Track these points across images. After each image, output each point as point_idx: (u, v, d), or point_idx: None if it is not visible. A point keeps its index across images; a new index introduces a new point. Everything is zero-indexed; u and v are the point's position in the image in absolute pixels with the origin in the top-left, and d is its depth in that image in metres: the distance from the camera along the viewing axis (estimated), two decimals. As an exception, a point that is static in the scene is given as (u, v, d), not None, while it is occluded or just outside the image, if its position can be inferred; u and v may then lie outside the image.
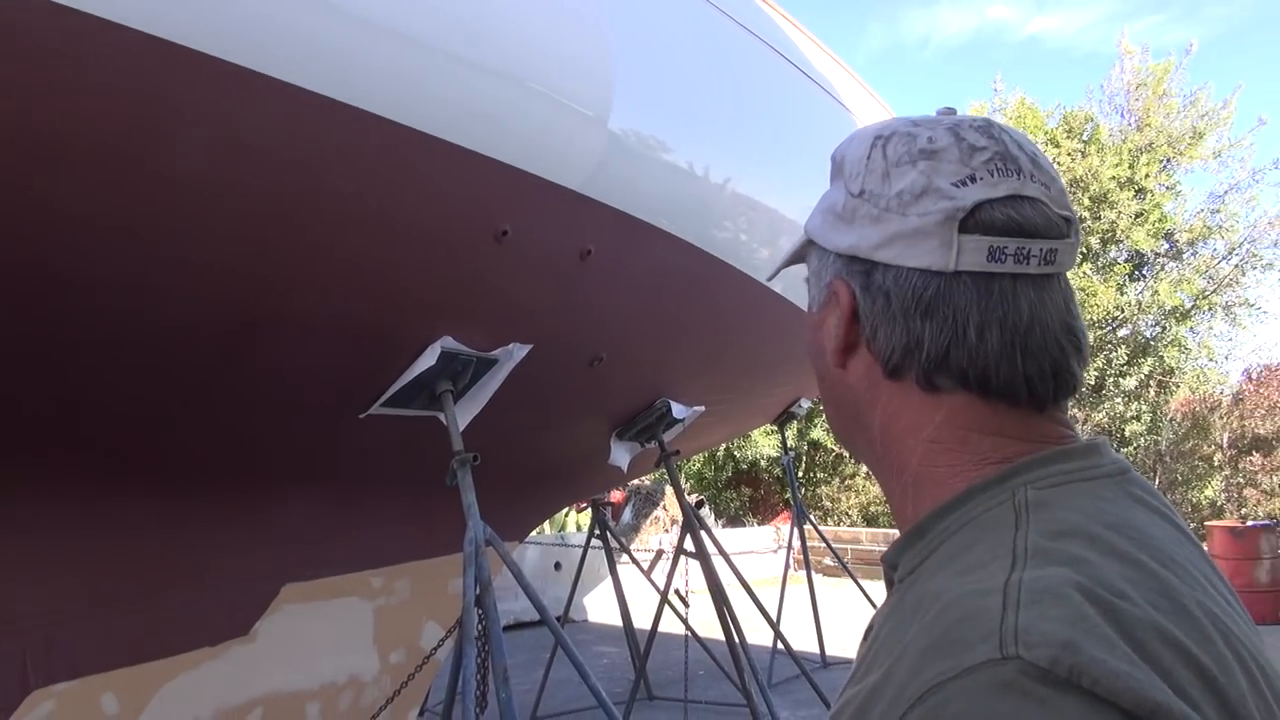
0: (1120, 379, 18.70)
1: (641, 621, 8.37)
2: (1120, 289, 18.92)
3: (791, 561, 10.68)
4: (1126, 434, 18.42)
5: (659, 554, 8.97)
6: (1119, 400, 18.77)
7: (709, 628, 7.10)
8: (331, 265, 3.19)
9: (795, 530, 10.22)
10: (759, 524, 19.68)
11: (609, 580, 9.14)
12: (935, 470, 0.80)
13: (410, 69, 3.00)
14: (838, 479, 21.20)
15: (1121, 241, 18.93)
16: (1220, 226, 19.33)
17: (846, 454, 19.48)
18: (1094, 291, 18.22)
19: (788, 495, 15.14)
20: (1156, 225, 18.82)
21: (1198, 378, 20.13)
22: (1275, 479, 17.83)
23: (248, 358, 3.29)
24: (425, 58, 3.04)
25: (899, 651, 0.68)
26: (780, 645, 7.90)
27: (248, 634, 4.07)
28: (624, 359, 4.76)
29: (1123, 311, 18.89)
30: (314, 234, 3.05)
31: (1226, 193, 19.47)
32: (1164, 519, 0.76)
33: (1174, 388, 19.60)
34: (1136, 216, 18.59)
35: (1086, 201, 18.56)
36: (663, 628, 7.74)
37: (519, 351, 4.03)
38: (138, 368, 3.11)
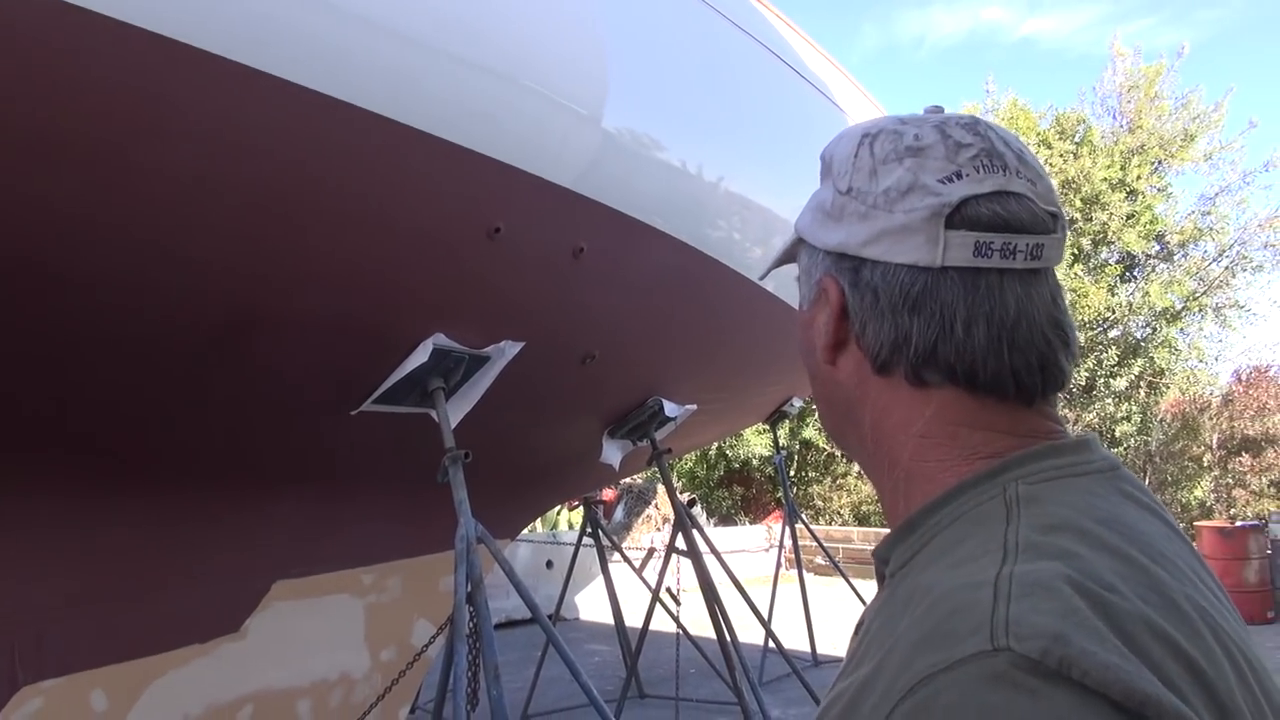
0: (1111, 380, 18.77)
1: (633, 620, 8.37)
2: (1111, 290, 18.99)
3: (783, 560, 10.69)
4: (1117, 434, 18.48)
5: (650, 552, 8.96)
6: (1109, 401, 18.84)
7: (700, 626, 7.10)
8: (325, 262, 3.19)
9: (787, 529, 10.24)
10: (751, 523, 19.70)
11: (601, 578, 9.14)
12: (926, 465, 0.81)
13: (405, 67, 3.00)
14: (829, 478, 21.24)
15: (1113, 243, 19.00)
16: (1211, 228, 19.42)
17: (838, 453, 19.55)
18: (1085, 292, 18.28)
19: (779, 494, 15.16)
20: (1148, 227, 18.90)
21: (1188, 379, 20.20)
22: (1264, 480, 17.92)
23: (240, 354, 3.28)
24: (420, 56, 3.04)
25: (890, 645, 0.68)
26: (771, 644, 7.91)
27: (238, 631, 4.06)
28: (616, 357, 4.76)
29: (1113, 312, 18.96)
30: (308, 231, 3.04)
31: (1217, 195, 19.57)
32: (1154, 515, 0.76)
33: (1164, 389, 19.67)
34: (1128, 218, 18.65)
35: (1078, 203, 18.63)
36: (654, 626, 7.74)
37: (511, 349, 4.02)
38: (131, 365, 3.10)
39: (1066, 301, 0.88)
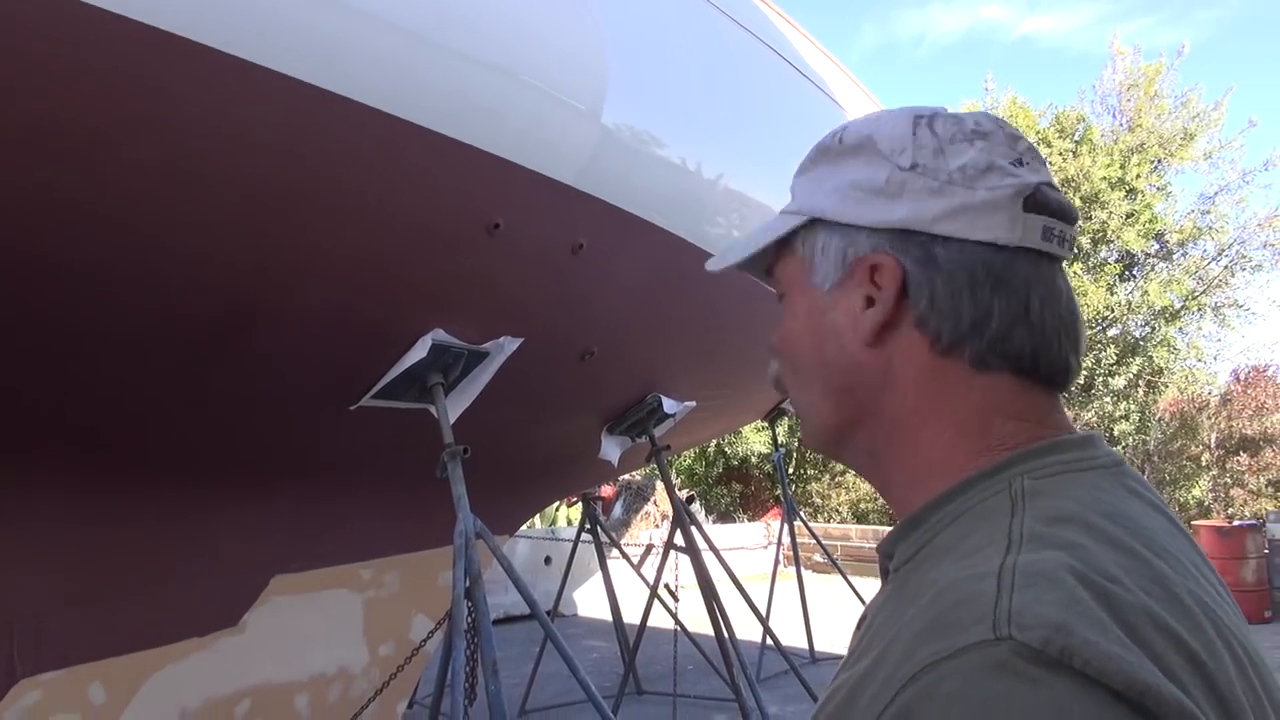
0: (1109, 378, 18.78)
1: (631, 616, 8.38)
2: (1110, 289, 19.00)
3: (781, 557, 10.70)
4: (1115, 433, 18.49)
5: (649, 548, 8.97)
6: (1108, 400, 18.85)
7: (698, 623, 7.12)
8: (324, 257, 3.19)
9: (785, 526, 10.25)
10: (749, 520, 19.72)
11: (599, 575, 9.15)
12: (953, 454, 0.81)
13: (404, 61, 3.00)
14: (828, 476, 21.25)
15: (1112, 241, 19.01)
16: (1210, 227, 19.43)
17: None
18: (1084, 291, 18.28)
19: (778, 491, 15.16)
20: (1147, 226, 18.90)
21: (1186, 378, 20.23)
22: (1262, 479, 17.93)
23: (239, 349, 3.28)
24: (419, 50, 3.04)
25: (893, 635, 0.69)
26: (769, 641, 7.92)
27: (237, 625, 4.07)
28: (615, 353, 4.77)
29: (1112, 311, 18.97)
30: (306, 226, 3.04)
31: (1217, 194, 19.59)
32: (1157, 511, 0.77)
33: (1162, 388, 19.69)
34: (1127, 217, 18.66)
35: (1078, 201, 18.62)
36: (652, 623, 7.75)
37: (510, 345, 4.02)
38: (129, 360, 3.10)
39: None
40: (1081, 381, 18.89)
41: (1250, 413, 18.60)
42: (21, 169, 2.39)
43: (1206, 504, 18.49)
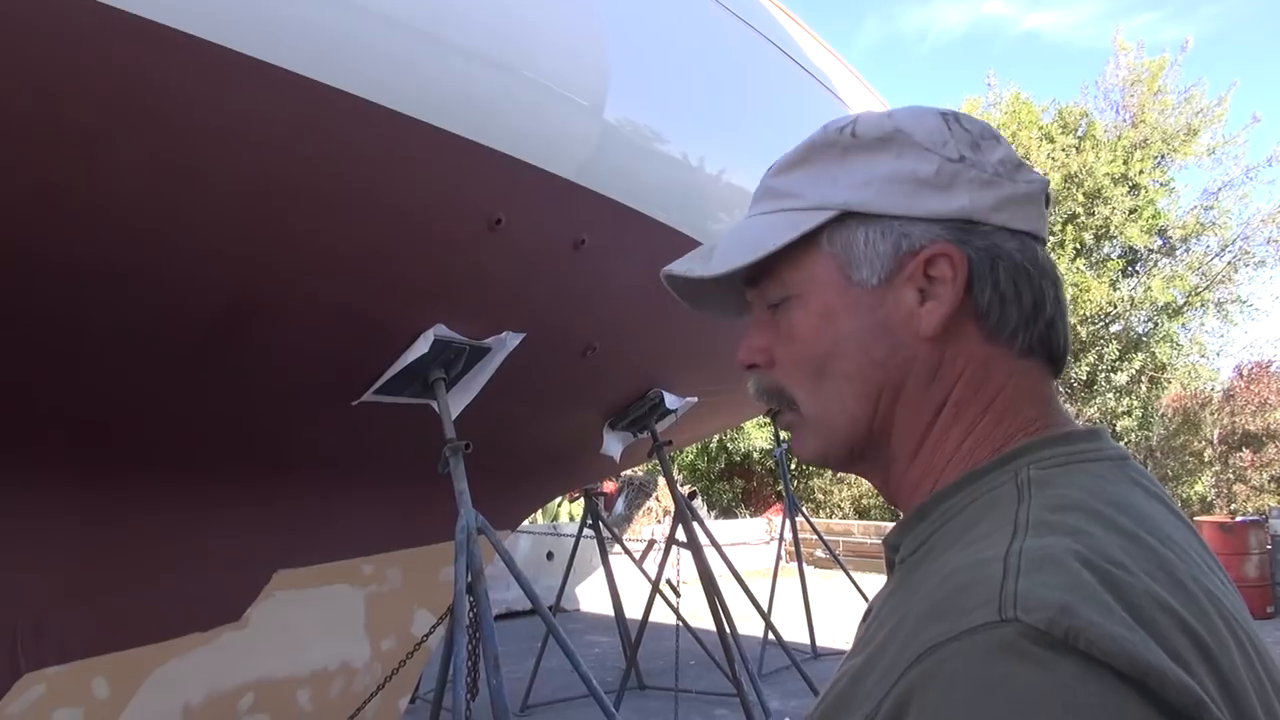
0: (1112, 374, 18.77)
1: (633, 611, 8.39)
2: (1113, 285, 18.99)
3: (783, 553, 10.71)
4: (1118, 429, 18.49)
5: (650, 544, 8.98)
6: (1110, 395, 18.85)
7: (700, 618, 7.13)
8: (325, 252, 3.19)
9: (787, 522, 10.26)
10: (751, 515, 19.74)
11: (601, 570, 9.16)
12: (981, 442, 0.81)
13: (405, 56, 3.00)
14: (830, 471, 21.26)
15: (1115, 237, 18.99)
16: (1213, 223, 19.41)
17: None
18: (1087, 287, 18.27)
19: (780, 487, 15.17)
20: (1150, 221, 18.88)
21: (1189, 374, 20.22)
22: (1265, 475, 17.93)
23: (241, 345, 3.28)
24: (420, 45, 3.04)
25: (897, 621, 0.69)
26: (771, 636, 7.93)
27: (239, 620, 4.08)
28: (617, 349, 4.77)
29: (1115, 307, 18.95)
30: (307, 221, 3.04)
31: (1220, 189, 19.57)
32: (1161, 502, 0.77)
33: (1165, 383, 19.68)
34: (1130, 212, 18.64)
35: (1080, 197, 18.61)
36: (654, 618, 7.77)
37: (512, 340, 4.03)
38: (131, 354, 3.11)
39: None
40: (1084, 377, 18.90)
41: (1253, 408, 18.59)
42: (22, 165, 2.40)
43: (1209, 500, 18.49)
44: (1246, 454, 18.18)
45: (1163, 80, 19.51)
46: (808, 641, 9.71)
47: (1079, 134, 19.71)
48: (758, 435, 19.59)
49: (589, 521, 8.81)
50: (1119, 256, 19.61)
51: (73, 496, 3.45)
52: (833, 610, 11.12)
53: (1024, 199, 0.83)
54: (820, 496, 21.01)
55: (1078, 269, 18.48)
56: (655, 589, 7.52)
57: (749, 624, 8.03)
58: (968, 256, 0.81)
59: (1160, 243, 19.64)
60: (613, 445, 5.74)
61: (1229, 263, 19.48)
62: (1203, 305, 19.66)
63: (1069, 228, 18.66)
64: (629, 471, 15.65)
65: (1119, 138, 19.33)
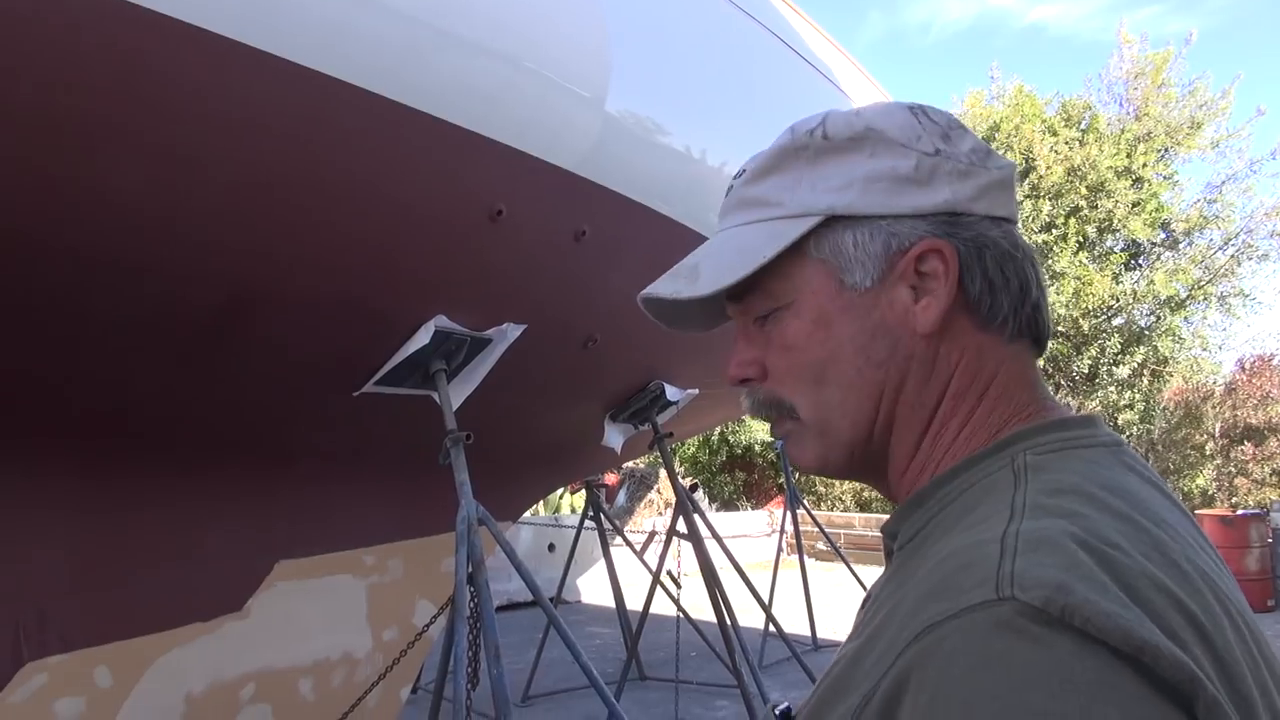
0: (1114, 368, 18.75)
1: (634, 603, 8.42)
2: (1116, 278, 18.96)
3: (784, 545, 10.73)
4: (1119, 422, 18.48)
5: (651, 535, 9.00)
6: (1112, 389, 18.83)
7: (701, 610, 7.14)
8: (326, 243, 3.19)
9: (789, 514, 10.27)
10: (753, 508, 19.76)
11: (602, 562, 9.18)
12: (978, 430, 0.82)
13: (406, 47, 3.00)
14: (832, 465, 21.24)
15: (1118, 231, 18.95)
16: (1217, 217, 19.37)
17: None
18: (1090, 280, 18.25)
19: (782, 479, 15.18)
20: (1153, 215, 18.84)
21: (1191, 367, 20.21)
22: (1266, 469, 17.93)
23: (242, 334, 3.29)
24: (421, 35, 3.04)
25: (896, 602, 0.70)
26: (772, 628, 7.95)
27: (241, 610, 4.09)
28: (618, 340, 4.77)
29: (1118, 300, 18.92)
30: (308, 212, 3.05)
31: (1224, 183, 19.52)
32: (1155, 488, 0.78)
33: (1167, 377, 19.67)
34: (1133, 206, 18.60)
35: (1084, 190, 18.57)
36: (655, 610, 7.78)
37: (513, 332, 4.03)
38: (132, 344, 3.11)
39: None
40: (1086, 371, 18.89)
41: (1255, 402, 18.59)
42: (23, 154, 2.40)
43: (1210, 493, 18.50)
44: (1248, 447, 18.18)
45: (1166, 73, 19.45)
46: (808, 633, 9.73)
47: (1082, 127, 19.65)
48: (759, 428, 19.58)
49: (590, 513, 8.82)
50: (1122, 250, 19.57)
51: (74, 486, 3.46)
52: (834, 602, 11.14)
53: (998, 185, 0.84)
54: (821, 489, 21.01)
55: (1080, 262, 18.45)
56: (656, 580, 7.54)
57: (750, 616, 8.05)
58: (957, 249, 0.82)
59: (1163, 236, 19.60)
60: (614, 437, 5.75)
61: (1232, 256, 19.44)
62: (1205, 299, 19.63)
63: (1072, 221, 18.62)
64: (630, 464, 15.67)
65: (1122, 131, 19.29)
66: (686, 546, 6.58)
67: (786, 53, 5.34)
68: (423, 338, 3.70)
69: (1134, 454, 0.82)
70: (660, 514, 15.96)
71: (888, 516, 0.88)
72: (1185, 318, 19.73)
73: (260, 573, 4.18)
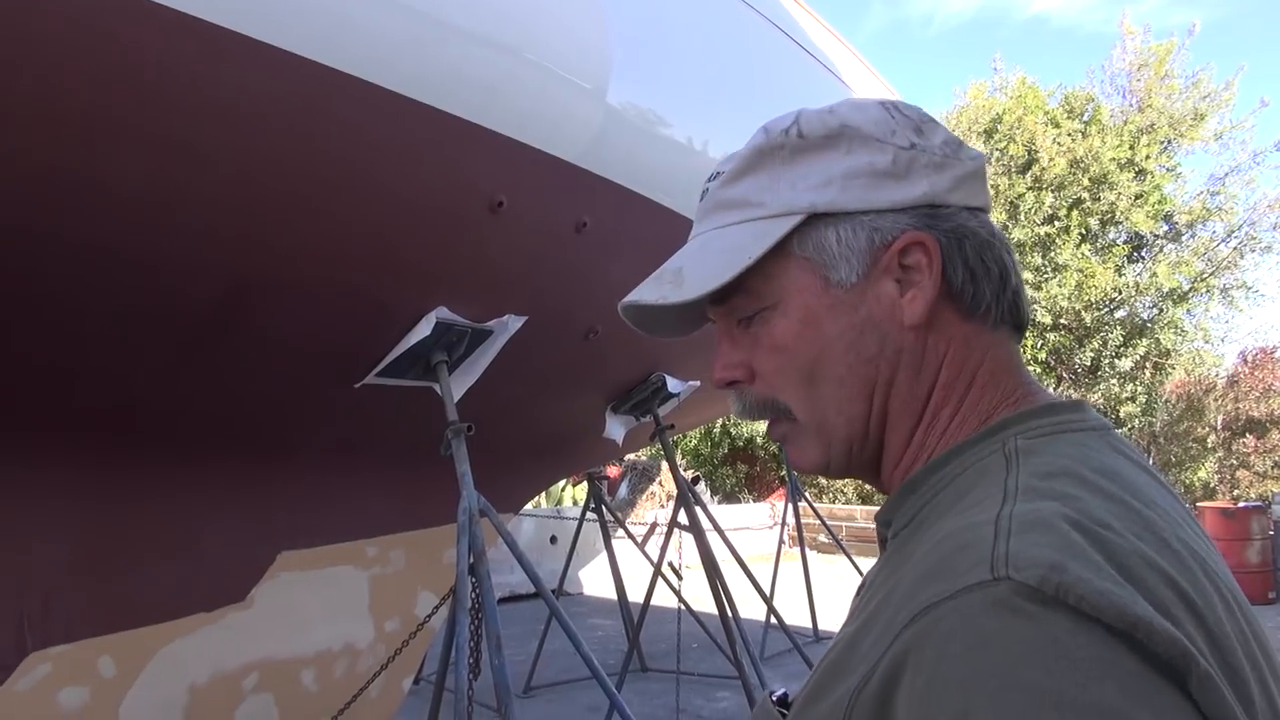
0: (1116, 360, 18.74)
1: (636, 595, 8.44)
2: (1118, 270, 18.93)
3: (786, 537, 10.74)
4: (1121, 415, 18.48)
5: (653, 526, 9.02)
6: (1114, 381, 18.82)
7: (703, 602, 7.16)
8: (326, 235, 3.20)
9: (790, 507, 10.29)
10: (755, 500, 19.78)
11: (604, 554, 9.20)
12: (969, 417, 0.83)
13: (407, 38, 3.00)
14: (833, 457, 21.25)
15: (1121, 223, 18.92)
16: (1220, 209, 19.32)
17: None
18: (1092, 273, 18.22)
19: (783, 472, 15.19)
20: (1156, 207, 18.81)
21: (1193, 360, 20.18)
22: (1268, 461, 17.93)
23: (243, 326, 3.30)
24: (421, 26, 3.04)
25: (892, 586, 0.71)
26: (773, 619, 7.97)
27: (244, 600, 4.10)
28: (619, 332, 4.75)
29: (1120, 293, 18.90)
30: (308, 202, 3.05)
31: (1227, 175, 19.47)
32: (1144, 470, 0.79)
33: (1169, 369, 19.65)
34: (1136, 198, 18.56)
35: (1086, 182, 18.54)
36: (657, 601, 7.80)
37: (514, 323, 4.04)
38: (135, 335, 3.12)
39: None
40: (1088, 363, 18.87)
41: (1257, 394, 18.60)
42: (23, 145, 2.40)
43: (1212, 486, 18.51)
44: (1250, 440, 18.19)
45: (1170, 65, 19.39)
46: (810, 625, 9.75)
47: (1085, 119, 19.61)
48: (761, 421, 19.60)
49: (592, 505, 8.84)
50: (1125, 242, 19.55)
51: (77, 478, 3.47)
52: (835, 594, 11.16)
53: (972, 176, 0.85)
54: (824, 482, 21.02)
55: (1083, 254, 18.42)
56: (657, 571, 7.56)
57: (751, 607, 8.06)
58: (939, 240, 0.83)
59: (1166, 228, 19.56)
60: (615, 429, 5.75)
61: (1235, 248, 19.40)
62: (1208, 291, 19.59)
63: (1074, 213, 18.60)
64: (632, 456, 15.69)
65: (1125, 122, 19.25)
66: (688, 538, 6.60)
67: (788, 44, 5.33)
68: (424, 329, 3.71)
69: (1121, 438, 0.83)
70: (662, 506, 15.98)
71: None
72: (1188, 310, 19.71)
73: (263, 563, 4.19)
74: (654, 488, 17.03)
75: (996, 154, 19.37)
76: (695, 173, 4.52)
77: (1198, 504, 13.27)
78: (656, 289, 0.90)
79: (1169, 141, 19.28)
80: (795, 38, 5.42)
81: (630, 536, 8.94)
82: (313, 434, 4.17)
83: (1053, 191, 18.66)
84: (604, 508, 8.75)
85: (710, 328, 0.97)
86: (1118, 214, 18.59)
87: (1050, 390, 0.90)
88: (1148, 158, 18.71)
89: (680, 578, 7.42)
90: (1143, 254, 20.04)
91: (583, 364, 4.97)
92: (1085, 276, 18.22)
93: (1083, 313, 18.62)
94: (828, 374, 0.85)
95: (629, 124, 4.03)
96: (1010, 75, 20.94)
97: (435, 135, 3.20)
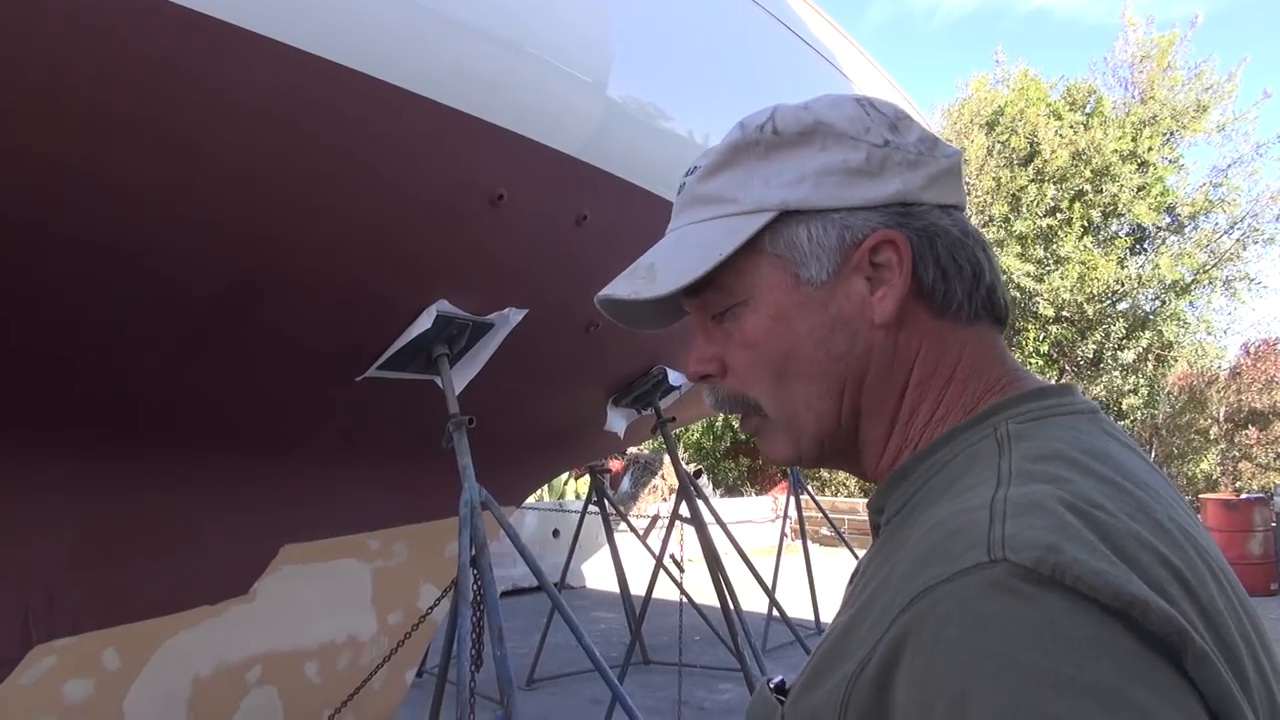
0: (1118, 352, 18.71)
1: (639, 588, 8.46)
2: (1121, 263, 18.89)
3: (788, 530, 10.75)
4: (1124, 407, 18.46)
5: (655, 519, 9.03)
6: (1117, 374, 18.79)
7: (705, 595, 7.18)
8: (327, 228, 3.20)
9: (792, 500, 10.29)
10: (757, 494, 19.79)
11: (606, 548, 9.21)
12: (952, 409, 0.84)
13: (407, 32, 3.00)
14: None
15: (1123, 215, 18.87)
16: (1222, 200, 19.25)
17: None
18: (1094, 265, 18.19)
19: (785, 466, 15.19)
20: (1158, 199, 18.75)
21: (1196, 352, 20.14)
22: (1270, 453, 17.92)
23: (245, 320, 3.31)
24: (422, 20, 3.04)
25: (888, 572, 0.71)
26: (775, 612, 7.98)
27: (247, 593, 4.12)
28: (620, 325, 4.77)
29: (1123, 285, 18.86)
30: (310, 196, 3.06)
31: (1229, 166, 19.39)
32: (1133, 452, 0.80)
33: (1172, 362, 19.62)
34: (1138, 190, 18.51)
35: (1088, 174, 18.49)
36: (659, 594, 7.82)
37: (515, 316, 4.04)
38: (136, 330, 3.13)
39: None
40: (1090, 356, 18.85)
41: (1259, 386, 18.58)
42: (28, 140, 2.41)
43: (1215, 478, 18.49)
44: (1252, 432, 18.18)
45: (1172, 56, 19.31)
46: (812, 617, 9.77)
47: (1087, 111, 19.55)
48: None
49: (594, 499, 8.85)
50: (1127, 234, 19.49)
51: (80, 471, 3.48)
52: (837, 587, 11.14)
53: (946, 173, 0.85)
54: (825, 474, 21.01)
55: (1085, 247, 18.38)
56: (659, 563, 7.57)
57: (753, 600, 8.07)
58: (910, 239, 0.83)
59: (1168, 220, 19.50)
60: (616, 422, 5.76)
61: (1237, 240, 19.34)
62: (1210, 283, 19.54)
63: (1076, 205, 18.56)
64: (635, 450, 15.71)
65: (1127, 114, 19.18)
66: (690, 531, 6.61)
67: (789, 37, 5.32)
68: (425, 322, 3.71)
69: (1109, 421, 0.84)
70: (665, 499, 16.00)
71: None
72: (1190, 302, 19.65)
73: (265, 557, 4.21)
74: (656, 481, 17.05)
75: (999, 146, 19.32)
76: (696, 166, 4.52)
77: (1200, 496, 13.26)
78: (630, 284, 0.91)
79: (1171, 133, 19.21)
80: (797, 31, 5.41)
81: (632, 530, 8.96)
82: (315, 427, 4.18)
83: (1055, 184, 18.61)
84: (606, 501, 8.76)
85: None
86: (1120, 206, 18.53)
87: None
88: (1150, 150, 18.65)
89: (682, 570, 7.43)
90: (1145, 246, 19.99)
91: (584, 357, 4.98)
92: (1087, 269, 18.19)
93: (1085, 305, 18.59)
94: (797, 370, 0.85)
95: (630, 117, 4.03)
96: (1012, 67, 20.89)
97: (436, 129, 3.21)
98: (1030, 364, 18.31)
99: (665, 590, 7.91)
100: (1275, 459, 17.98)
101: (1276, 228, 19.17)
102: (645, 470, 17.06)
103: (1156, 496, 0.72)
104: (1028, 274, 18.17)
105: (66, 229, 2.67)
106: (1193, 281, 19.27)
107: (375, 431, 4.45)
